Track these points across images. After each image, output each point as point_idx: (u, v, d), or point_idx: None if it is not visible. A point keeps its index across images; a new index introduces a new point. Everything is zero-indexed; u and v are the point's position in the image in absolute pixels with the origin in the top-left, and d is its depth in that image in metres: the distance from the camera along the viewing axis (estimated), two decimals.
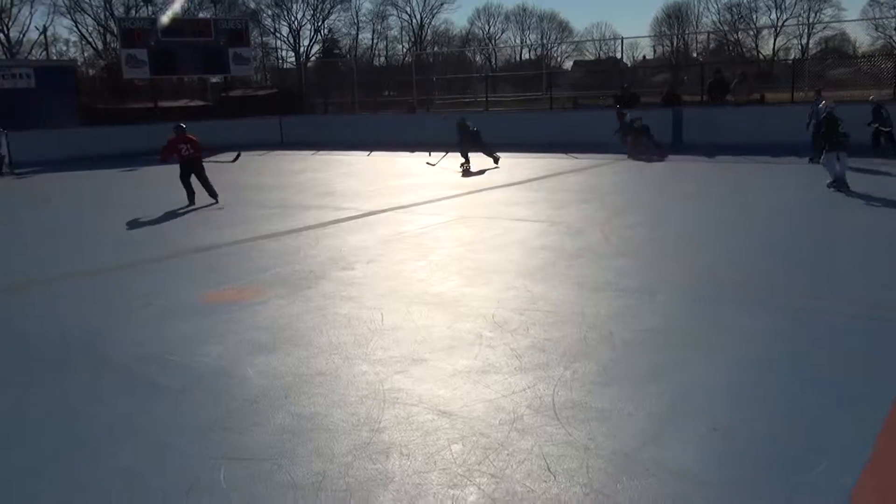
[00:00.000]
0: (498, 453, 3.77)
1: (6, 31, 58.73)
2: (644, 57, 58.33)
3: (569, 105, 28.33)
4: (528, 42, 71.84)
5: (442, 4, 70.53)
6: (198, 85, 38.59)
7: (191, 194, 13.75)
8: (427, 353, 5.30)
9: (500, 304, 6.44)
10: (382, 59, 68.56)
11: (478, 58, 55.84)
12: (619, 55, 49.96)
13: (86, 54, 60.27)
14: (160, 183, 17.62)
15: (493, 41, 71.82)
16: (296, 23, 67.10)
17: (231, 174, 19.06)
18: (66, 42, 61.73)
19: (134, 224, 11.92)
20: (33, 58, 52.35)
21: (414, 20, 70.76)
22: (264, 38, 64.78)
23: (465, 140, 19.05)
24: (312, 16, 67.27)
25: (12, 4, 58.08)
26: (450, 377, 4.83)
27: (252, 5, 63.32)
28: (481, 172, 17.26)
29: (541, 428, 4.04)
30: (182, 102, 34.79)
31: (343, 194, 14.48)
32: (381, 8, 69.51)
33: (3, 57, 53.67)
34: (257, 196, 14.66)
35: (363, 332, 5.84)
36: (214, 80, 35.22)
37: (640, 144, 19.30)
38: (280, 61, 68.41)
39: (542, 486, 3.45)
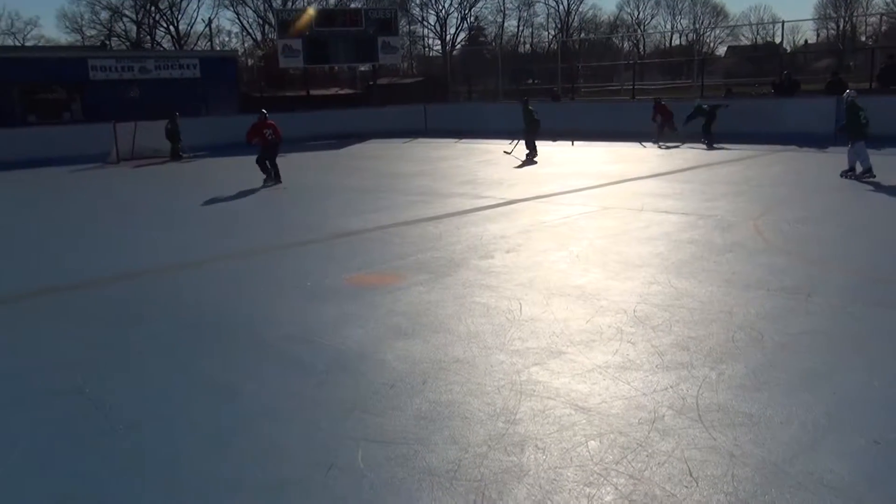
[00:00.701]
0: (637, 453, 3.65)
1: (175, 24, 62.99)
2: (806, 41, 54.88)
3: (721, 93, 27.06)
4: (679, 27, 69.28)
5: None
6: (347, 73, 39.86)
7: (270, 174, 15.13)
8: (565, 345, 5.22)
9: (642, 299, 6.24)
10: (528, 46, 68.20)
11: (625, 44, 54.51)
12: (778, 40, 47.10)
13: (246, 45, 63.66)
14: (307, 169, 18.33)
15: (641, 27, 69.71)
16: (443, 11, 67.89)
17: (376, 161, 19.55)
18: (229, 33, 65.75)
19: (283, 208, 12.48)
20: (198, 49, 55.82)
21: (561, 7, 69.81)
22: (412, 27, 65.95)
23: (532, 128, 18.62)
24: (460, 4, 67.78)
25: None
26: (588, 372, 4.73)
27: None
28: (627, 162, 16.80)
29: (683, 430, 3.88)
30: (332, 91, 36.10)
31: (484, 182, 14.52)
32: None
33: (172, 48, 57.55)
34: (400, 183, 14.96)
35: (501, 321, 5.83)
36: (363, 68, 36.24)
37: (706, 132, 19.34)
38: (426, 49, 69.49)
39: (683, 491, 3.31)
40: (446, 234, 9.52)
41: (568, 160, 17.99)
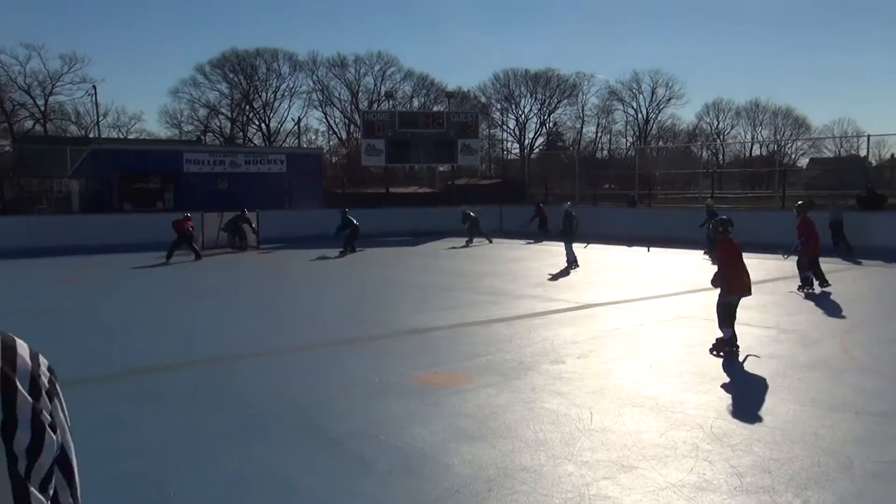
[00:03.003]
0: None
1: (267, 122, 66.27)
2: (892, 155, 53.64)
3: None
4: (760, 138, 68.98)
5: (670, 100, 69.96)
6: (426, 173, 40.89)
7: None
8: (637, 460, 5.00)
9: (720, 415, 5.97)
10: (605, 151, 68.93)
11: (704, 153, 54.45)
12: (863, 153, 46.30)
13: (331, 143, 66.29)
14: (382, 264, 18.61)
15: (721, 136, 69.74)
16: (523, 116, 69.64)
17: (449, 260, 19.73)
18: (315, 132, 68.26)
19: (355, 301, 12.61)
20: (286, 145, 58.37)
21: (640, 115, 70.72)
22: (491, 130, 67.69)
23: (568, 231, 17.97)
24: (539, 109, 69.49)
25: (275, 99, 65.65)
26: (661, 490, 4.50)
27: (483, 99, 66.63)
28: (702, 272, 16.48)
29: None
30: (411, 189, 37.00)
31: (556, 285, 14.43)
32: (608, 103, 70.24)
33: (262, 145, 60.35)
34: (472, 282, 15.00)
35: (571, 430, 5.65)
36: (442, 168, 37.13)
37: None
38: (505, 152, 70.95)
39: None
40: (517, 336, 9.41)
41: (643, 266, 17.77)
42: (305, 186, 30.80)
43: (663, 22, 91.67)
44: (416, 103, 64.79)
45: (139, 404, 6.56)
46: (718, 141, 67.00)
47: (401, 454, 5.17)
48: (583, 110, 69.94)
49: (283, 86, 65.42)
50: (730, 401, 6.40)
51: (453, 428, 5.72)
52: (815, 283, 13.13)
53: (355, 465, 5.00)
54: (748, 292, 8.47)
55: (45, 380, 1.21)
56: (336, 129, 67.88)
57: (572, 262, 17.66)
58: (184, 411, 6.30)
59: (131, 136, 60.18)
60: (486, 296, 12.98)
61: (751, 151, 66.62)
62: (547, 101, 69.14)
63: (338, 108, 67.21)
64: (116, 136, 57.55)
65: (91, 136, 52.39)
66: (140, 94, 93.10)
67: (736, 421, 5.80)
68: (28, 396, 1.16)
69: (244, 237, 23.42)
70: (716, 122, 71.74)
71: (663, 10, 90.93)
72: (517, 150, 69.56)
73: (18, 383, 1.14)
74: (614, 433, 5.57)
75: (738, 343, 8.33)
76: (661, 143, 67.36)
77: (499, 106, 69.25)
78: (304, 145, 57.90)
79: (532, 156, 63.78)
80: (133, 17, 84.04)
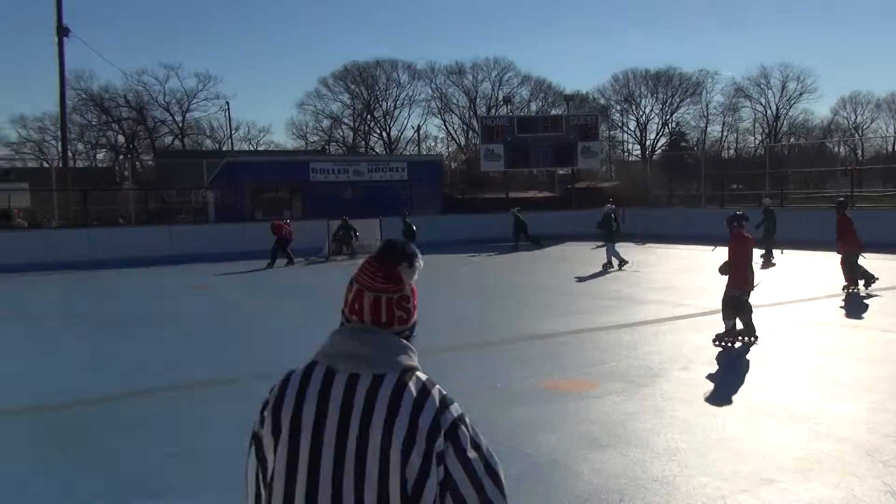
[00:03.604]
0: None
1: (388, 131, 67.78)
2: None
3: None
4: None
5: (801, 94, 66.42)
6: (545, 177, 40.62)
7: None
8: (777, 472, 4.77)
9: (869, 428, 5.61)
10: (731, 151, 66.31)
11: (841, 149, 51.50)
12: None
13: (450, 149, 67.02)
14: (500, 269, 18.62)
15: (860, 131, 65.65)
16: (643, 117, 68.03)
17: (570, 263, 19.53)
18: (435, 139, 69.38)
19: (475, 305, 12.67)
20: (407, 153, 59.51)
21: (769, 111, 67.58)
22: (611, 132, 66.48)
23: (609, 232, 18.12)
24: (661, 110, 67.67)
25: (395, 108, 67.08)
26: None
27: (602, 101, 65.61)
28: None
29: None
30: (531, 193, 36.84)
31: (683, 289, 13.98)
32: (734, 100, 67.51)
33: (383, 153, 61.77)
34: (594, 287, 14.77)
35: (704, 439, 5.46)
36: (561, 171, 36.80)
37: None
38: (625, 154, 69.56)
39: None
40: (642, 342, 9.19)
41: (777, 269, 16.97)
42: (426, 193, 31.27)
43: (791, 14, 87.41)
44: (533, 107, 64.62)
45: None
46: (857, 136, 63.12)
47: (529, 460, 5.15)
48: (707, 109, 67.55)
49: (403, 95, 66.79)
50: (878, 413, 6.00)
51: (581, 435, 5.65)
52: (861, 283, 12.79)
53: None
54: (751, 288, 8.90)
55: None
56: (455, 136, 68.66)
57: (611, 264, 17.82)
58: None
59: (260, 148, 63.07)
60: (608, 301, 12.76)
61: (893, 146, 62.51)
62: (669, 101, 67.20)
63: (456, 115, 67.98)
64: (247, 149, 60.43)
65: (224, 149, 55.25)
66: (268, 107, 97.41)
67: (888, 435, 5.44)
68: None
69: (349, 244, 24.03)
70: (853, 116, 67.67)
71: (790, 1, 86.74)
72: (638, 152, 68.10)
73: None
74: (750, 443, 5.35)
75: (756, 336, 8.82)
76: (792, 139, 64.12)
77: (618, 107, 67.99)
78: (424, 152, 58.86)
79: (654, 157, 62.25)
80: (260, 36, 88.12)
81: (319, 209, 26.32)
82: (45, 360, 9.38)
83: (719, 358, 8.19)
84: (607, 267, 17.70)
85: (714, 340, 8.76)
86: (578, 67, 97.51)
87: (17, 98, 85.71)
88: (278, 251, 21.32)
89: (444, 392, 1.70)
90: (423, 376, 1.72)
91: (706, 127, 68.32)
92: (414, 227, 23.34)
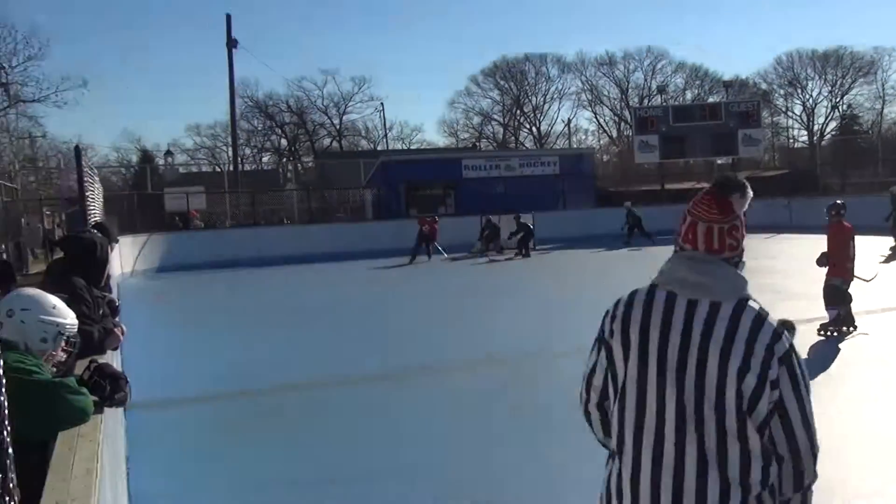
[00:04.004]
0: None
1: (538, 125, 67.48)
2: None
3: None
4: None
5: None
6: (703, 167, 39.04)
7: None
8: None
9: None
10: None
11: None
12: None
13: (601, 142, 65.81)
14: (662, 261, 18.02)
15: None
16: (810, 100, 63.71)
17: None
18: (586, 131, 68.19)
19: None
20: (557, 147, 59.01)
21: None
22: (774, 118, 62.83)
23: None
24: (830, 92, 63.12)
25: (544, 102, 66.68)
26: None
27: (764, 86, 62.17)
28: None
29: None
30: (687, 184, 35.48)
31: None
32: None
33: (534, 147, 61.58)
34: (765, 280, 13.99)
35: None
36: (720, 161, 35.23)
37: None
38: (791, 140, 65.52)
39: None
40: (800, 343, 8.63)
41: None
42: (578, 186, 30.90)
43: None
44: (689, 96, 62.20)
45: (436, 402, 6.96)
46: None
47: None
48: (883, 89, 62.16)
49: (552, 88, 66.22)
50: None
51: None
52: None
53: None
54: (851, 277, 8.78)
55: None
56: (606, 128, 67.32)
57: None
58: (480, 410, 6.56)
59: (413, 147, 64.58)
60: (780, 294, 12.05)
61: None
62: (839, 82, 62.45)
63: (607, 107, 66.62)
64: (401, 148, 62.03)
65: (379, 148, 56.97)
66: (420, 107, 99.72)
67: None
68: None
69: (493, 239, 24.09)
70: None
71: None
72: (805, 138, 63.95)
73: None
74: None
75: (855, 326, 8.73)
76: None
77: (782, 92, 64.04)
78: (575, 146, 58.16)
79: (823, 143, 58.24)
80: (411, 37, 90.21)
81: (472, 205, 26.64)
82: (248, 349, 10.06)
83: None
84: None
85: (818, 330, 8.74)
86: (737, 52, 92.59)
87: (193, 108, 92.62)
88: (419, 247, 22.27)
89: (776, 322, 1.92)
90: (755, 305, 1.94)
91: (882, 108, 62.98)
92: (530, 225, 22.97)
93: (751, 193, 2.07)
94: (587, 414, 2.17)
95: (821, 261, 8.79)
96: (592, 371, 2.10)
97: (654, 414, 1.89)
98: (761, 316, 1.90)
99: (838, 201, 9.15)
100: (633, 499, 1.91)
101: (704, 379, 1.84)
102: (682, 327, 1.91)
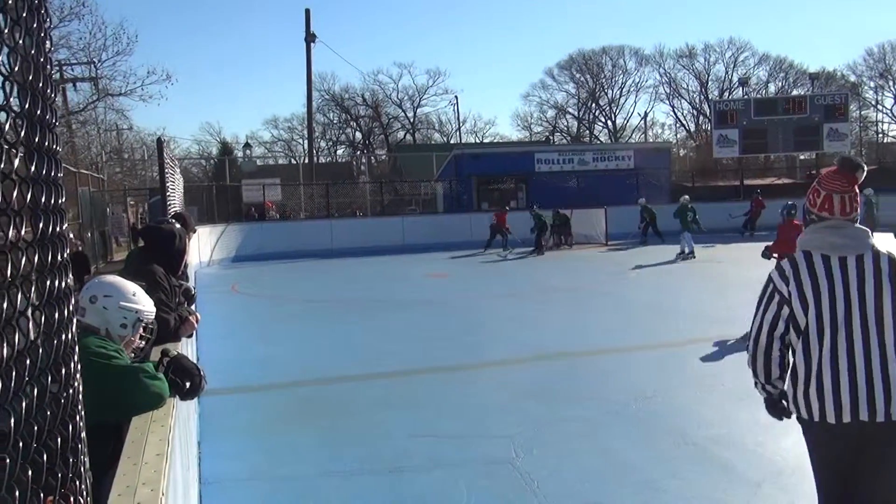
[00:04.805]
0: None
1: (613, 119, 66.53)
2: None
3: None
4: None
5: None
6: (784, 163, 37.79)
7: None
8: None
9: None
10: None
11: None
12: None
13: (678, 136, 64.44)
14: (741, 260, 17.57)
15: None
16: None
17: None
18: (662, 125, 67.19)
19: (703, 300, 12.05)
20: (633, 141, 58.03)
21: None
22: (863, 112, 60.33)
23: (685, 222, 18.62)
24: None
25: (620, 95, 65.64)
26: None
27: (852, 79, 59.74)
28: None
29: None
30: (768, 180, 34.47)
31: None
32: None
33: (608, 141, 60.72)
34: None
35: None
36: (803, 157, 34.08)
37: None
38: (880, 135, 62.80)
39: None
40: None
41: None
42: (653, 181, 30.32)
43: None
44: (772, 88, 60.33)
45: (502, 394, 6.95)
46: None
47: (773, 466, 4.80)
48: None
49: (629, 81, 65.22)
50: None
51: None
52: None
53: (723, 473, 4.76)
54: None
55: None
56: (684, 122, 65.90)
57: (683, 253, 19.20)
58: (545, 401, 6.53)
59: (486, 140, 64.55)
60: None
61: None
62: None
63: (686, 100, 65.22)
64: (474, 141, 62.07)
65: (452, 142, 57.13)
66: (494, 100, 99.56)
67: None
68: None
69: (566, 234, 23.96)
70: None
71: None
72: (895, 133, 61.19)
73: None
74: None
75: None
76: None
77: (872, 84, 61.44)
78: (651, 140, 57.06)
79: None
80: (487, 29, 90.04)
81: (544, 199, 26.44)
82: (311, 341, 10.26)
83: None
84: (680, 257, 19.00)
85: None
86: (825, 43, 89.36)
87: (272, 101, 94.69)
88: (494, 239, 23.10)
89: None
90: (883, 250, 2.80)
91: None
92: (543, 219, 22.86)
93: (866, 169, 2.92)
94: (766, 356, 2.90)
95: (764, 254, 9.43)
96: (773, 324, 2.84)
97: (846, 331, 2.71)
98: (893, 257, 2.78)
99: (792, 203, 9.93)
100: (834, 378, 2.71)
101: (867, 310, 2.71)
102: (841, 279, 2.74)
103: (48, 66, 1.31)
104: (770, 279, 2.88)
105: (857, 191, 2.87)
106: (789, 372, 2.87)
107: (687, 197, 21.39)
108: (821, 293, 2.72)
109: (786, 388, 2.91)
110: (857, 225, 2.81)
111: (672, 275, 16.25)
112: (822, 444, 2.81)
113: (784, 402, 2.95)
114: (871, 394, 2.66)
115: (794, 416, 2.91)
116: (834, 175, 2.88)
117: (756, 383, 3.01)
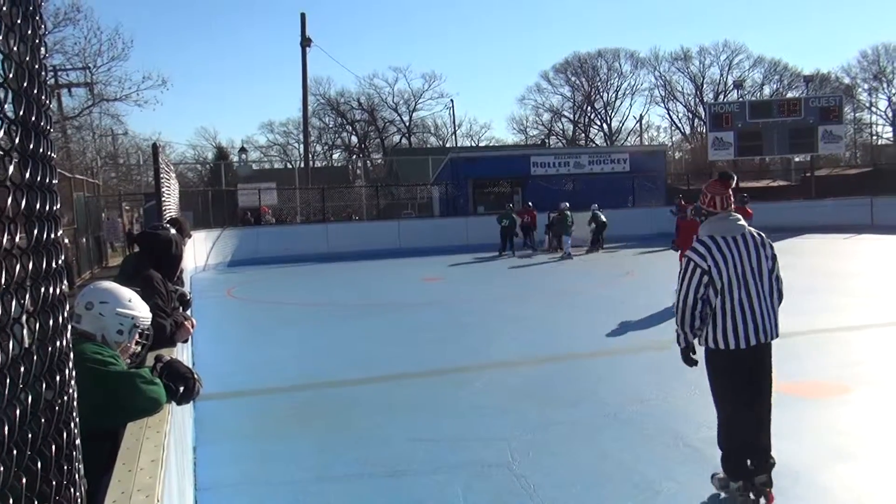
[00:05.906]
0: None
1: (608, 122, 66.62)
2: None
3: None
4: None
5: None
6: (780, 165, 37.86)
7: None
8: None
9: None
10: None
11: None
12: None
13: (673, 139, 64.56)
14: None
15: None
16: None
17: (811, 258, 18.12)
18: (657, 128, 67.40)
19: None
20: (628, 144, 58.12)
21: None
22: (857, 114, 60.55)
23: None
24: None
25: (616, 98, 65.74)
26: None
27: (847, 81, 59.94)
28: None
29: None
30: (763, 183, 34.53)
31: None
32: None
33: (604, 144, 60.79)
34: (839, 283, 13.51)
35: None
36: (798, 159, 34.16)
37: None
38: (874, 137, 63.00)
39: None
40: None
41: None
42: (649, 184, 30.38)
43: None
44: (767, 91, 60.56)
45: (498, 398, 6.95)
46: None
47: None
48: None
49: (625, 84, 65.38)
50: None
51: (827, 444, 5.19)
52: None
53: None
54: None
55: None
56: (679, 125, 66.05)
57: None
58: (541, 405, 6.53)
59: (482, 144, 64.61)
60: (858, 298, 11.62)
61: None
62: None
63: (681, 103, 65.43)
64: (469, 145, 62.11)
65: (448, 145, 57.16)
66: (489, 103, 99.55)
67: None
68: None
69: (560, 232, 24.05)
70: None
71: None
72: (889, 135, 61.43)
73: None
74: None
75: None
76: None
77: (866, 86, 61.72)
78: (646, 142, 57.14)
79: None
80: (482, 33, 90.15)
81: (540, 203, 26.46)
82: (306, 344, 10.25)
83: None
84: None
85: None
86: (819, 46, 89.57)
87: (267, 105, 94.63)
88: (525, 239, 24.34)
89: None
90: (752, 230, 4.25)
91: None
92: (508, 222, 23.42)
93: (735, 178, 4.43)
94: (692, 312, 4.15)
95: (673, 246, 10.53)
96: (697, 289, 4.12)
97: (744, 287, 4.11)
98: (761, 235, 4.28)
99: (683, 201, 10.94)
100: (743, 318, 4.10)
101: (761, 269, 4.17)
102: (737, 252, 4.13)
103: (43, 73, 1.31)
104: (689, 259, 4.19)
105: (731, 193, 4.30)
106: (710, 319, 4.14)
107: (596, 205, 23.29)
108: (727, 262, 4.09)
109: (706, 332, 4.19)
110: (737, 216, 4.24)
111: (670, 275, 16.24)
112: (728, 368, 4.22)
113: (693, 354, 4.34)
114: (765, 323, 4.14)
115: (701, 352, 4.34)
116: (715, 183, 4.38)
117: (678, 336, 4.27)
